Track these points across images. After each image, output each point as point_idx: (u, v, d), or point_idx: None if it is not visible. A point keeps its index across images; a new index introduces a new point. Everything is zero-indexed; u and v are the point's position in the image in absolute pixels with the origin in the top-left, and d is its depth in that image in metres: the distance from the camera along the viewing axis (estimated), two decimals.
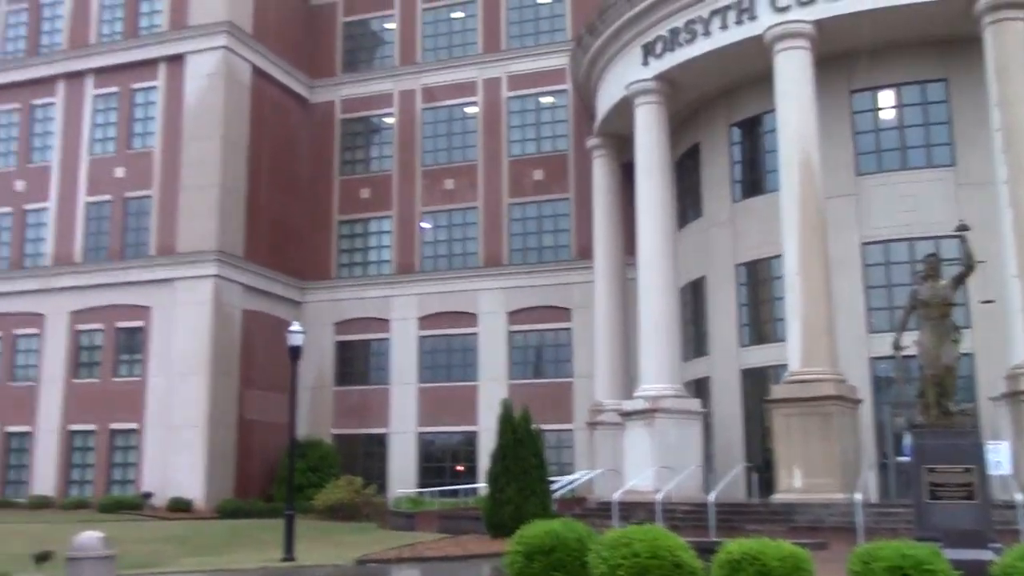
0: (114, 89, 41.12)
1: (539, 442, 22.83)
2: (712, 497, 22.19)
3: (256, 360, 38.78)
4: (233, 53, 39.27)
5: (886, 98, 28.55)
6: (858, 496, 20.48)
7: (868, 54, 27.90)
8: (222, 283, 37.55)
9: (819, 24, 26.19)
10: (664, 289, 29.31)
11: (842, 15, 25.99)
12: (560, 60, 39.41)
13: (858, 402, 25.14)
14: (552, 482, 24.83)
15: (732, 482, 25.70)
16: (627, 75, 31.08)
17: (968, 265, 15.28)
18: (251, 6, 40.71)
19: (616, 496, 24.59)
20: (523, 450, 22.26)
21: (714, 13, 28.10)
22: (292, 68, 42.94)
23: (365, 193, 42.57)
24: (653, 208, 29.82)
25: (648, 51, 30.19)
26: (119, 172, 40.29)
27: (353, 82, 43.70)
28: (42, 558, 15.22)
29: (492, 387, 37.80)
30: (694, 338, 32.54)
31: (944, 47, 27.48)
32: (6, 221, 42.13)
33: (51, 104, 42.31)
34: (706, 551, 10.94)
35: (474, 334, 39.45)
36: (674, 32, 29.25)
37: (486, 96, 41.23)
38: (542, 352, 39.06)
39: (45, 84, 42.32)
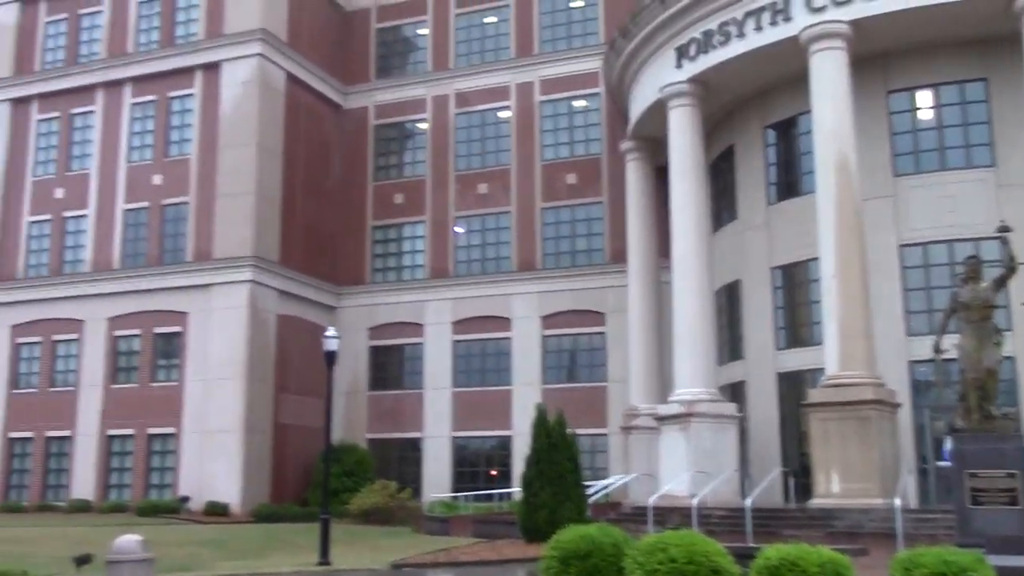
0: (151, 97, 41.62)
1: (573, 446, 22.71)
2: (749, 502, 22.02)
3: (291, 365, 39.03)
4: (268, 60, 39.61)
5: (924, 98, 28.23)
6: (897, 501, 20.25)
7: (905, 54, 27.59)
8: (258, 288, 37.85)
9: (855, 24, 25.94)
10: (699, 292, 29.11)
11: (878, 15, 25.73)
12: (593, 64, 39.35)
13: (897, 406, 24.81)
14: (587, 487, 24.75)
15: (769, 487, 25.50)
16: (660, 78, 30.96)
17: (1010, 267, 15.10)
18: (285, 14, 41.05)
19: (651, 501, 24.52)
20: (557, 454, 22.19)
21: (748, 15, 27.92)
22: (326, 75, 43.22)
23: (399, 198, 42.71)
24: (687, 211, 29.67)
25: (681, 53, 30.05)
26: (156, 179, 40.76)
27: (386, 88, 43.88)
28: (82, 561, 15.42)
29: (526, 391, 37.76)
30: (729, 342, 32.31)
31: (983, 46, 27.11)
32: (46, 228, 42.72)
33: (90, 112, 42.88)
34: (743, 557, 10.80)
35: (508, 338, 39.43)
36: (708, 34, 29.09)
37: (519, 100, 41.25)
38: (576, 356, 38.94)
39: (84, 93, 42.89)
